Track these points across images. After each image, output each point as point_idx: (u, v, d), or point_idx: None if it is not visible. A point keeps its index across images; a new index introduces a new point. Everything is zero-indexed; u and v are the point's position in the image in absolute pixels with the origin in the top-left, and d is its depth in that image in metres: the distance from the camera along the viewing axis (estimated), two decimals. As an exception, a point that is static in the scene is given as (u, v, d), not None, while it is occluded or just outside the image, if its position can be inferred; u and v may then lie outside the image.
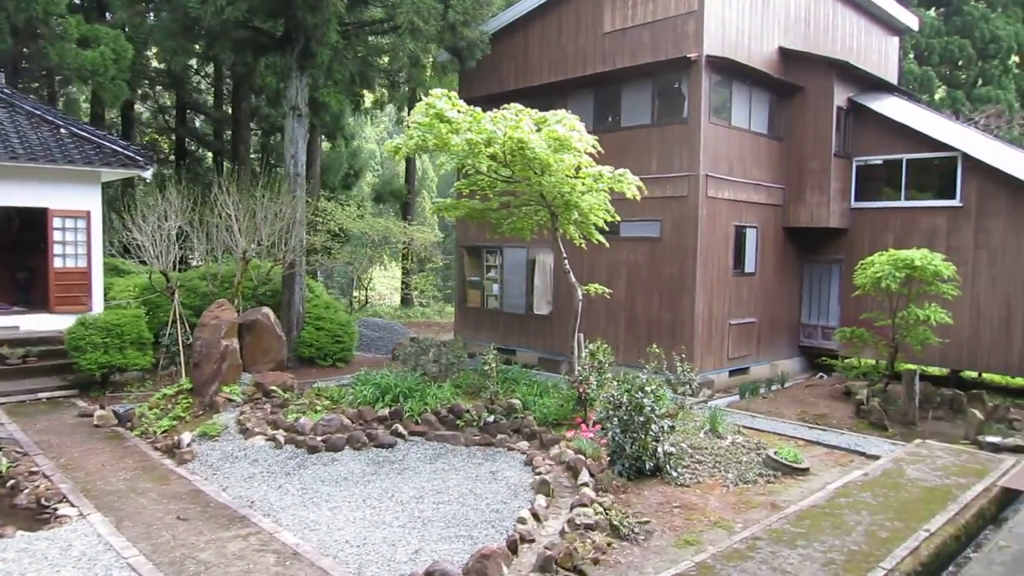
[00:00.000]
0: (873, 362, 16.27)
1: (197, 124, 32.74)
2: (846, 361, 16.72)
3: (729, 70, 15.89)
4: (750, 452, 11.67)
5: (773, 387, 16.61)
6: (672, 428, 10.97)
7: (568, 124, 12.01)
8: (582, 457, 10.54)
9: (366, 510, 9.03)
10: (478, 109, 11.46)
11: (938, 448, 12.39)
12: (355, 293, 26.71)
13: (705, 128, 15.44)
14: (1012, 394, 16.48)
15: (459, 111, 11.41)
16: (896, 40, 21.69)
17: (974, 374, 17.43)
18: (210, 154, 30.26)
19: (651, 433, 10.35)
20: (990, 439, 12.69)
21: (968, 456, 12.01)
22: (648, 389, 10.55)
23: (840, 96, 17.33)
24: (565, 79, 17.41)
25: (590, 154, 12.47)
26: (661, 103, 16.25)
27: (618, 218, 13.53)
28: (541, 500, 9.13)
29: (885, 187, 17.68)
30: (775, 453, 11.22)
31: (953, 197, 16.60)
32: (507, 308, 19.12)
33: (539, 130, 11.99)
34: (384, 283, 38.08)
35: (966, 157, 16.28)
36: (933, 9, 35.10)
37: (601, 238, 13.30)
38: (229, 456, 10.70)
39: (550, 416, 12.20)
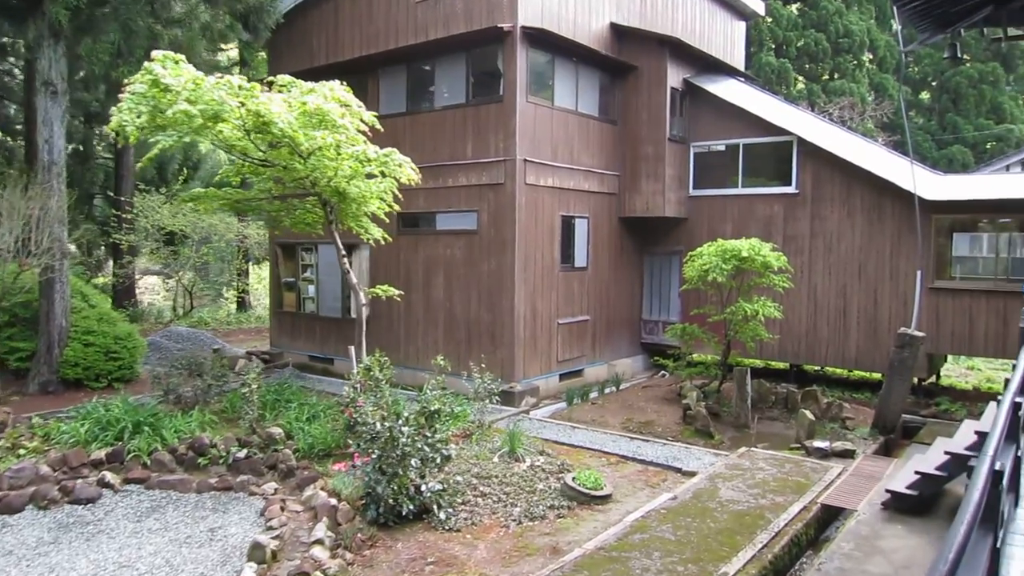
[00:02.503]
0: (719, 358, 14.79)
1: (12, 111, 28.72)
2: (686, 359, 15.19)
3: (550, 44, 14.06)
4: (549, 477, 9.83)
5: (607, 390, 14.96)
6: (447, 458, 8.98)
7: (330, 95, 9.83)
8: (333, 502, 8.43)
9: (7, 598, 6.63)
10: (201, 75, 9.09)
11: (762, 458, 10.92)
12: (183, 297, 23.69)
13: (522, 108, 13.55)
14: (851, 386, 15.39)
15: (185, 78, 9.02)
16: (743, 25, 20.49)
17: (816, 366, 16.29)
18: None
19: (412, 468, 8.32)
20: (817, 444, 11.33)
21: (792, 466, 10.58)
22: (406, 415, 8.52)
23: (675, 77, 15.80)
24: (376, 53, 15.19)
25: (365, 133, 10.33)
26: (476, 80, 14.26)
27: (396, 208, 11.41)
28: (249, 572, 6.94)
29: (723, 174, 16.31)
30: (573, 479, 9.41)
31: (789, 184, 15.35)
32: (324, 312, 16.79)
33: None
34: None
35: (801, 142, 15.04)
36: (794, 4, 34.71)
37: (378, 233, 11.20)
38: None
39: (317, 446, 10.03)
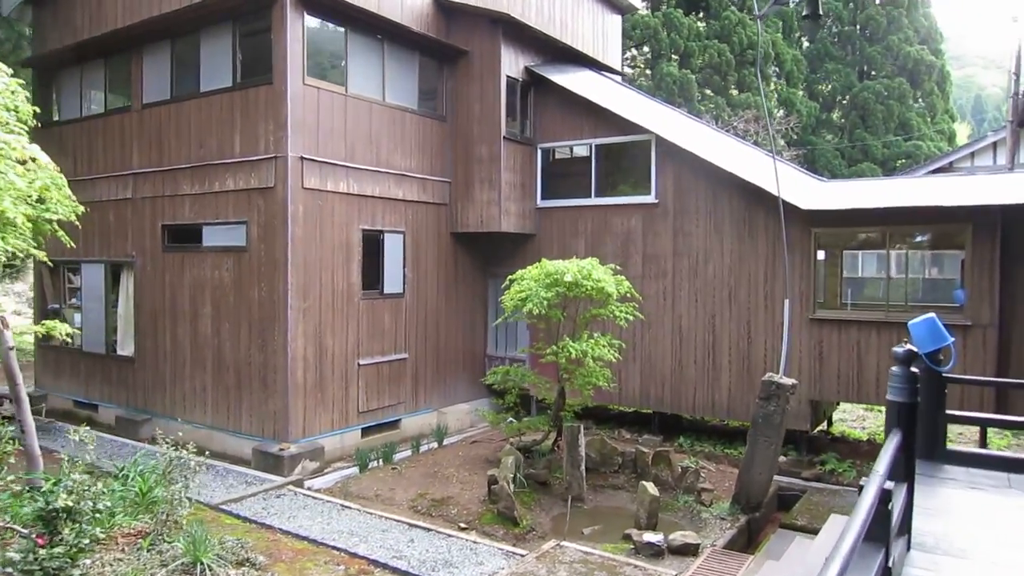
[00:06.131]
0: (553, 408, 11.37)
1: None
2: (514, 408, 11.84)
3: (339, 14, 10.77)
4: (228, 611, 6.34)
5: (424, 447, 11.57)
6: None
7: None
8: None
9: None
10: None
11: (569, 561, 7.61)
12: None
13: (297, 92, 10.18)
14: (727, 437, 12.24)
15: None
16: (618, 19, 17.52)
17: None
18: None
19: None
20: (648, 538, 8.08)
21: (605, 576, 7.30)
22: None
23: (513, 64, 12.66)
24: (137, 24, 11.64)
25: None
26: (245, 58, 10.85)
27: (54, 216, 7.85)
28: None
29: (576, 181, 13.16)
30: (243, 622, 5.94)
31: (648, 192, 12.26)
32: (88, 347, 13.06)
33: None
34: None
35: (660, 141, 11.98)
36: (698, 21, 32.23)
37: None
38: None
39: None
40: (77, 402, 13.20)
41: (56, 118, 13.63)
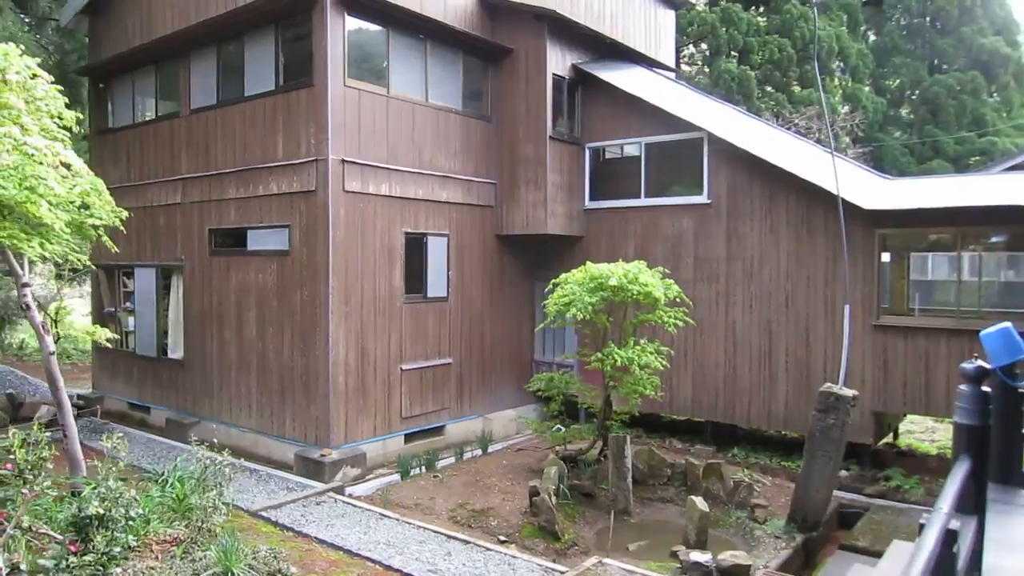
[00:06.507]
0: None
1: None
2: (561, 416, 11.47)
3: (381, 14, 10.64)
4: (255, 625, 6.20)
5: (467, 455, 11.35)
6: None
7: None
8: None
9: None
10: None
11: (609, 581, 7.25)
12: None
13: (338, 94, 10.08)
14: (784, 449, 11.63)
15: None
16: (672, 14, 16.99)
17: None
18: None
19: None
20: (695, 557, 7.63)
21: (648, 598, 6.91)
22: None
23: (559, 61, 12.33)
24: (184, 30, 11.76)
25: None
26: (288, 60, 10.82)
27: (99, 221, 7.86)
28: None
29: (625, 182, 12.74)
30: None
31: (700, 192, 11.76)
32: (141, 350, 13.27)
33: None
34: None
35: (713, 139, 11.47)
36: (755, 8, 31.28)
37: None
38: None
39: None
40: (131, 404, 13.45)
41: (111, 125, 13.93)
